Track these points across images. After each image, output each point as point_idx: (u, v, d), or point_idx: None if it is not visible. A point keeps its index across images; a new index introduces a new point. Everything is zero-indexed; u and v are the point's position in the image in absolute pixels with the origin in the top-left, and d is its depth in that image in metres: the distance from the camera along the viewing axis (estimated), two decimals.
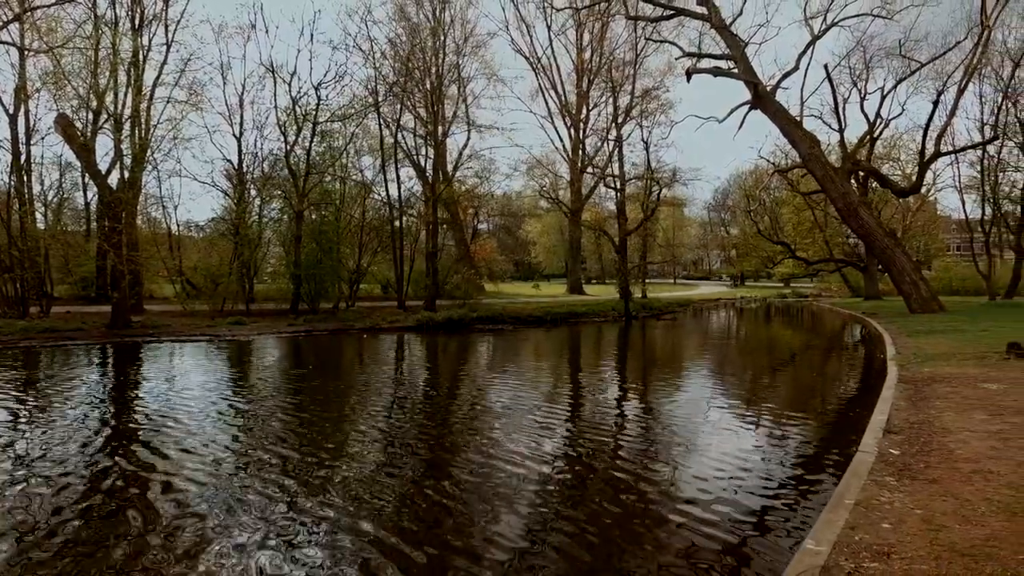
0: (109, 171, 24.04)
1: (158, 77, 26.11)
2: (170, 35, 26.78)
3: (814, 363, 16.85)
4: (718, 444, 7.75)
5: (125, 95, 24.10)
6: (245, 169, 29.66)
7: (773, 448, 7.56)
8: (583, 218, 49.18)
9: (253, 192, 30.09)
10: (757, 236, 49.12)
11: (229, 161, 30.27)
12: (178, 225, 32.32)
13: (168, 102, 25.42)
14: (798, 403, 10.85)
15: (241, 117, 29.61)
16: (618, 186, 40.58)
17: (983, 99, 36.38)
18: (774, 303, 47.46)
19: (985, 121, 35.73)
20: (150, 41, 26.28)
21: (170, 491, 6.05)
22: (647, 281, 46.36)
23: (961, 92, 30.11)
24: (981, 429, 6.51)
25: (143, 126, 24.87)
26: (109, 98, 24.04)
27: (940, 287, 33.41)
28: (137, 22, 25.42)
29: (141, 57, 25.19)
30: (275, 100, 28.74)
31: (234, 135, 29.43)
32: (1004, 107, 33.56)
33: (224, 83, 31.39)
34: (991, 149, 35.16)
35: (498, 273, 52.79)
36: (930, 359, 11.89)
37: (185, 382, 12.50)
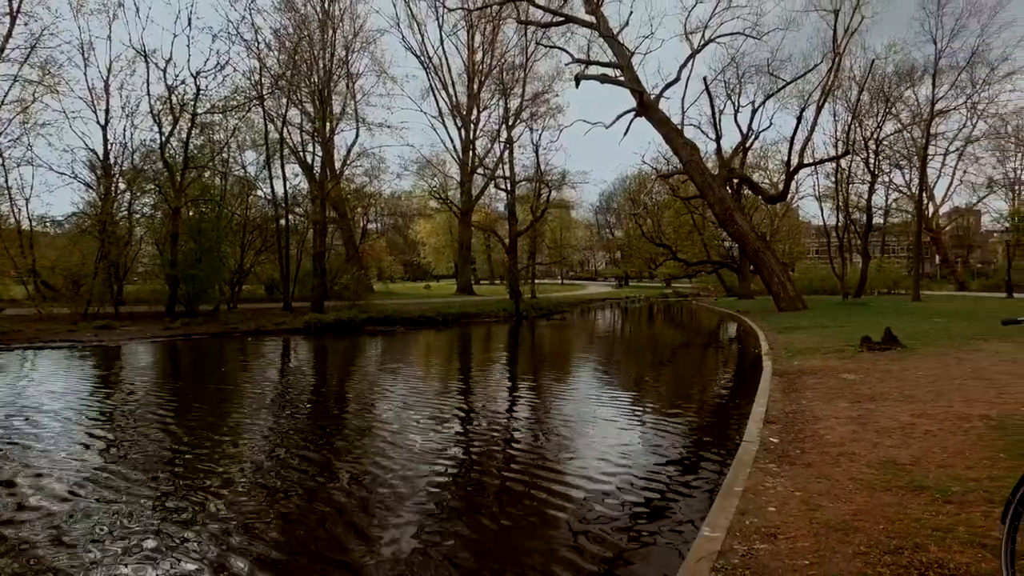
0: None
1: (1, 51, 23.32)
2: (15, 4, 23.91)
3: (696, 359, 17.91)
4: (609, 438, 8.02)
5: None
6: (112, 160, 27.17)
7: (663, 439, 7.94)
8: (473, 219, 49.35)
9: (122, 186, 27.60)
10: (641, 238, 51.59)
11: (93, 151, 27.63)
12: (31, 220, 28.94)
13: (16, 81, 22.84)
14: (684, 396, 11.49)
15: (107, 103, 27.06)
16: (508, 188, 41.21)
17: (836, 118, 40.49)
18: (656, 302, 49.89)
19: (838, 137, 39.67)
20: None
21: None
22: (536, 281, 47.26)
23: (819, 110, 33.54)
24: (844, 415, 7.22)
25: None
26: None
27: (802, 287, 36.39)
28: None
29: None
30: (148, 87, 26.29)
31: (98, 123, 26.87)
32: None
33: (86, 64, 28.27)
34: (843, 163, 39.14)
35: (388, 273, 51.90)
36: (798, 353, 13.01)
37: (33, 397, 11.12)
